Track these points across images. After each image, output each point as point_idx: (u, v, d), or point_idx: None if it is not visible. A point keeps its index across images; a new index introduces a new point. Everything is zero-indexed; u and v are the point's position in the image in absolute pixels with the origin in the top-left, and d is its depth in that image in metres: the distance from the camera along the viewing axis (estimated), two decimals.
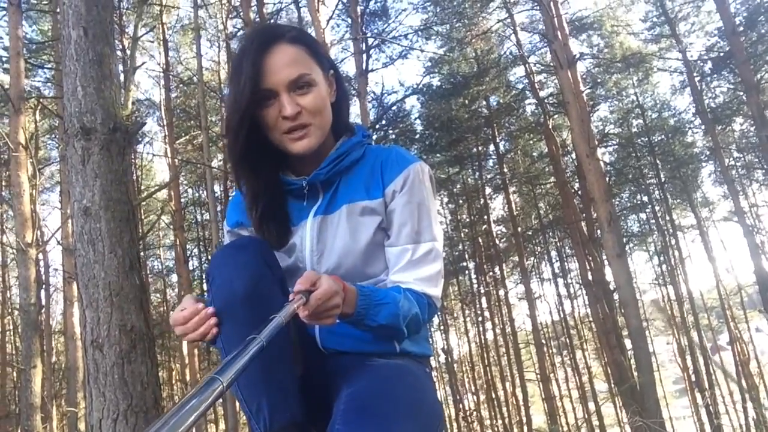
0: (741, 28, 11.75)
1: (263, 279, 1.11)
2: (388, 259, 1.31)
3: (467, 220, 21.31)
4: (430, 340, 1.48)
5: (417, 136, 17.77)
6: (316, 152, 1.30)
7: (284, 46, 1.22)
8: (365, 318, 1.13)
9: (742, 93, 13.36)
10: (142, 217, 16.36)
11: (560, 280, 22.27)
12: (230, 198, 1.49)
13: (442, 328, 22.06)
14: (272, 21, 11.96)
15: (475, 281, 22.07)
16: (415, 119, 18.23)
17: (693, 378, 19.46)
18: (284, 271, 1.33)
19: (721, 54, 15.12)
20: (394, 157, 1.33)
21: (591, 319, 18.45)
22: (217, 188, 14.21)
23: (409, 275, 1.26)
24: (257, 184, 1.31)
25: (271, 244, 1.31)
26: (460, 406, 21.17)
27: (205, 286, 1.33)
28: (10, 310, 16.69)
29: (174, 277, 19.03)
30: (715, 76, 16.50)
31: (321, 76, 1.27)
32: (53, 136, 15.87)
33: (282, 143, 1.26)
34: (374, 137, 13.16)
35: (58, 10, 3.34)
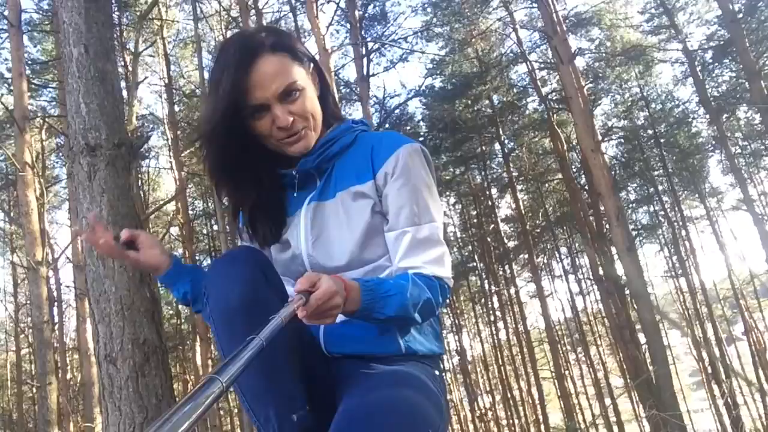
0: (740, 15, 11.68)
1: (259, 289, 1.10)
2: (388, 245, 1.28)
3: (475, 220, 21.28)
4: (442, 337, 1.44)
5: (421, 138, 17.79)
6: None
7: (267, 57, 1.22)
8: (372, 312, 1.11)
9: (744, 81, 13.30)
10: (151, 230, 16.43)
11: (571, 277, 22.23)
12: None
13: (454, 329, 22.03)
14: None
15: (485, 281, 22.03)
16: (419, 121, 18.25)
17: (709, 370, 19.33)
18: (284, 262, 1.34)
19: (722, 42, 15.06)
20: (385, 141, 1.32)
21: (604, 314, 18.38)
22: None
23: (418, 259, 1.24)
24: (237, 194, 1.36)
25: (266, 239, 1.35)
26: (476, 406, 21.11)
27: None
28: (24, 329, 16.79)
29: None
30: (717, 64, 16.43)
31: (305, 77, 1.28)
32: (59, 154, 15.99)
33: (279, 148, 1.29)
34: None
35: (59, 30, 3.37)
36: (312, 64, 1.33)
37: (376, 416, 1.05)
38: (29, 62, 13.13)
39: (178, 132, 15.17)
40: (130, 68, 11.36)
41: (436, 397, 1.20)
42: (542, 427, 18.37)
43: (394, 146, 1.29)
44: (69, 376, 15.55)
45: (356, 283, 1.10)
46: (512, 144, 19.71)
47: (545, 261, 22.90)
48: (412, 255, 1.24)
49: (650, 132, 18.59)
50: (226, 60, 1.22)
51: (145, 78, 12.83)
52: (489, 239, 20.45)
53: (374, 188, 1.28)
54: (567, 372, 21.10)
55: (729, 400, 16.08)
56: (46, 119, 10.98)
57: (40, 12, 13.35)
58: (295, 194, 1.35)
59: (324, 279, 1.00)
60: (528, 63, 16.52)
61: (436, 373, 1.30)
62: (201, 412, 0.59)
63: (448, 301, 1.35)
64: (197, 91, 13.55)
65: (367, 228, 1.26)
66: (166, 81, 14.61)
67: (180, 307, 19.75)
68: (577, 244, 21.37)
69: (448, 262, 1.28)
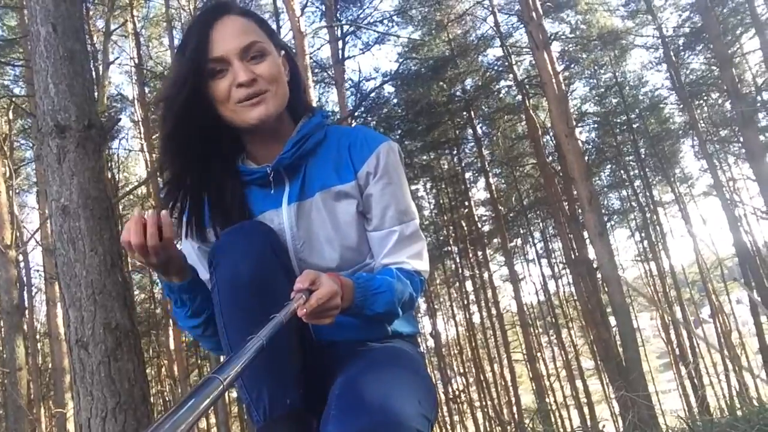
0: (710, 3, 11.80)
1: (268, 265, 1.11)
2: (372, 244, 1.30)
3: (449, 204, 21.35)
4: (416, 317, 1.49)
5: (397, 122, 17.72)
6: (276, 135, 1.27)
7: (233, 17, 1.20)
8: (363, 308, 1.14)
9: (716, 68, 13.47)
10: (123, 215, 16.19)
11: (544, 261, 22.49)
12: None
13: (429, 313, 22.17)
14: None
15: (459, 265, 22.17)
16: (394, 105, 18.18)
17: (677, 351, 19.79)
18: None
19: (695, 29, 15.23)
20: (362, 138, 1.31)
21: (575, 297, 18.65)
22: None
23: (402, 255, 1.27)
24: (191, 170, 1.24)
25: (203, 235, 1.27)
26: (449, 388, 21.33)
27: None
28: None
29: None
30: (689, 51, 16.63)
31: (273, 48, 1.25)
32: (27, 135, 15.60)
33: (237, 114, 1.20)
34: (353, 125, 13.10)
35: (24, 5, 3.28)
36: (284, 51, 1.31)
37: (382, 386, 1.06)
38: None
39: (150, 113, 14.90)
40: (98, 47, 11.09)
41: (425, 369, 1.27)
42: (514, 408, 18.64)
43: (372, 145, 1.29)
44: (39, 361, 15.33)
45: (350, 281, 1.12)
46: (486, 128, 19.78)
47: (519, 245, 23.11)
48: (396, 251, 1.27)
49: (623, 118, 18.79)
50: (194, 23, 1.21)
51: (116, 59, 12.54)
52: (463, 223, 20.57)
53: (357, 188, 1.28)
54: (539, 354, 21.43)
55: (695, 381, 16.50)
56: (13, 99, 10.69)
57: None
58: (272, 191, 1.28)
59: (324, 278, 1.02)
60: (504, 47, 16.52)
61: (419, 350, 1.36)
62: (201, 410, 0.59)
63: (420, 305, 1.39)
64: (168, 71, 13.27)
65: (355, 229, 1.28)
66: (136, 61, 14.32)
67: (153, 291, 19.54)
68: (550, 229, 21.61)
69: (426, 255, 1.33)
